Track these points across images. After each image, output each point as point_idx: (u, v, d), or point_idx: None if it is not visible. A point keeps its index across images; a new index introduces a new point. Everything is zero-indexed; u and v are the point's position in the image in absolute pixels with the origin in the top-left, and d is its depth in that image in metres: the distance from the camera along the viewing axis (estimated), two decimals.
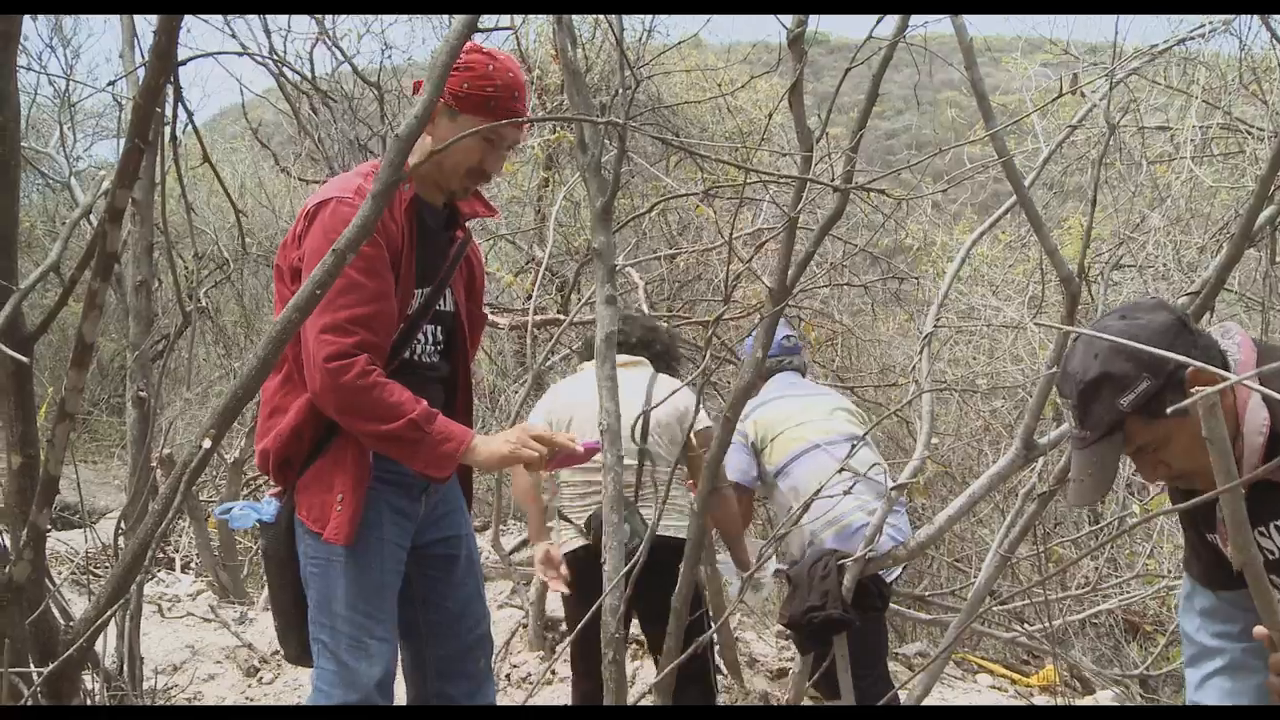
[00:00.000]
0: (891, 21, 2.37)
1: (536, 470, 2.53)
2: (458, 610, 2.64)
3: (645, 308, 6.43)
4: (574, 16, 8.74)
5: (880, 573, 3.38)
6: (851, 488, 3.24)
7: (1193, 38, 4.22)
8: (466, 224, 2.67)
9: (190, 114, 1.41)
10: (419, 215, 2.49)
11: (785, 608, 3.24)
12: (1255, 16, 4.02)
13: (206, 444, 1.34)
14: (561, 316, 5.77)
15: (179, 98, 1.30)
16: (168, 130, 1.89)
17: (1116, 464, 1.98)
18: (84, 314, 1.42)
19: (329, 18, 8.43)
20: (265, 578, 2.70)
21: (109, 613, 1.41)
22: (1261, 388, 1.55)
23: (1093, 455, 1.93)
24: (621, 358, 3.69)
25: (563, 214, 7.79)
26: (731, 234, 2.23)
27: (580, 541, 3.55)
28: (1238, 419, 1.89)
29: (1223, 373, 1.35)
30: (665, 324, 6.49)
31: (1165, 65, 4.31)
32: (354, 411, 2.31)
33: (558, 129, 7.05)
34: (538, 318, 5.30)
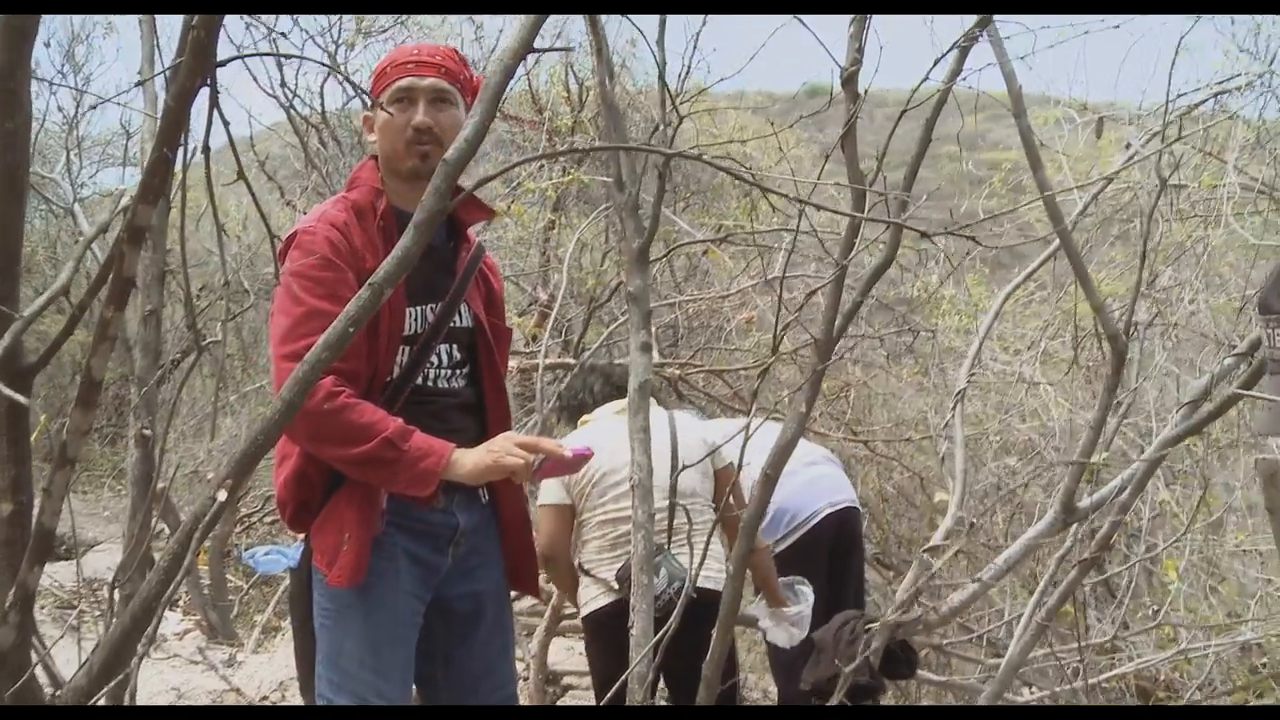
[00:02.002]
0: (944, 66, 2.28)
1: (523, 480, 2.36)
2: (481, 670, 2.48)
3: (655, 354, 6.31)
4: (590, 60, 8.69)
5: None
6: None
7: (1227, 91, 4.14)
8: (470, 232, 2.55)
9: (226, 123, 1.28)
10: (400, 229, 2.37)
11: (810, 672, 3.09)
12: None
13: (222, 495, 1.20)
14: (571, 360, 5.64)
15: (215, 103, 1.17)
16: (189, 148, 1.75)
17: None
18: (94, 346, 1.28)
19: (340, 52, 8.42)
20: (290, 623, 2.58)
21: (104, 690, 1.26)
22: None
23: None
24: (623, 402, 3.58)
25: (570, 258, 7.68)
26: (783, 277, 2.10)
27: (610, 598, 3.35)
28: None
29: None
30: (677, 371, 6.38)
31: (1202, 123, 4.22)
32: (324, 437, 2.19)
33: (569, 170, 6.96)
34: (548, 361, 5.17)
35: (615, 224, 8.48)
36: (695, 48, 2.34)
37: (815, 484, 4.13)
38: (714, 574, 3.31)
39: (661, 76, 2.16)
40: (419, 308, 2.38)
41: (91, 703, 1.27)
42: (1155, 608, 6.01)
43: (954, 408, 3.21)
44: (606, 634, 3.33)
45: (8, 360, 1.59)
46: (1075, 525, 3.07)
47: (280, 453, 2.35)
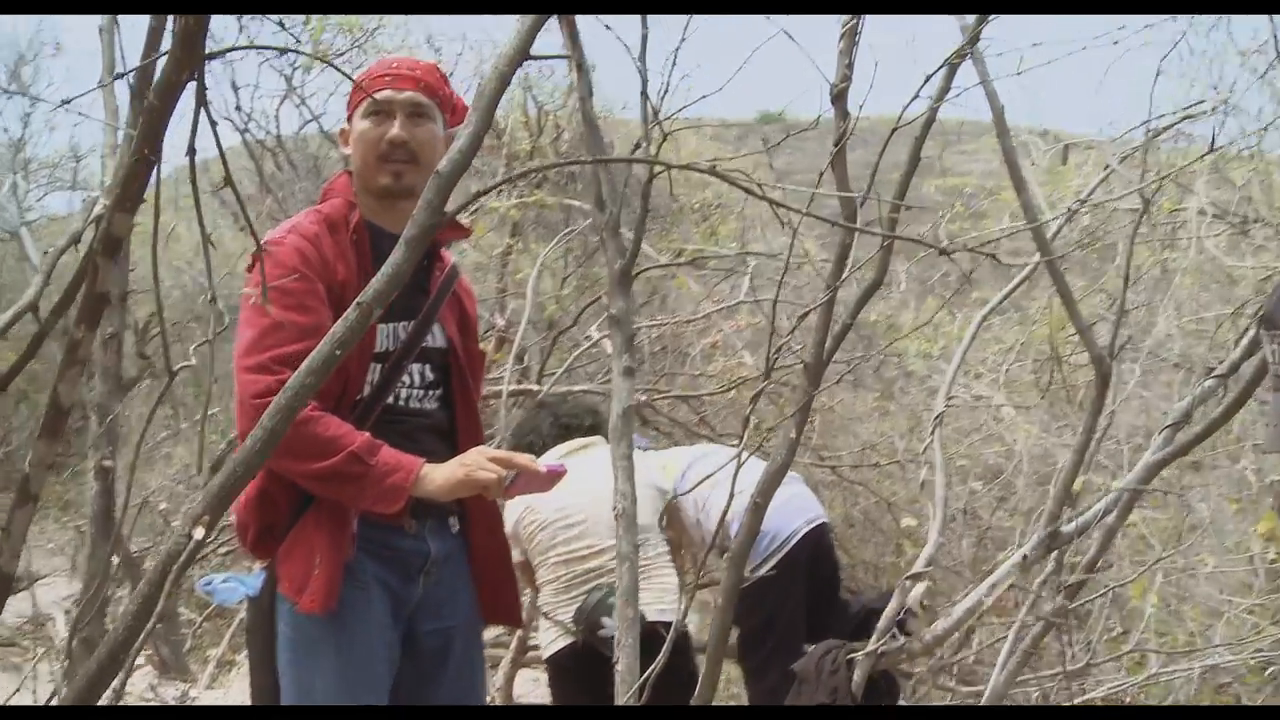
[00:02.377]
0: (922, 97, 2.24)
1: (495, 496, 2.27)
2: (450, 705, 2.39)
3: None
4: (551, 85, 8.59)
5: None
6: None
7: (1192, 116, 4.17)
8: (445, 252, 2.48)
9: (214, 124, 1.18)
10: (373, 244, 2.29)
11: (792, 703, 3.03)
12: None
13: (199, 533, 1.11)
14: (535, 387, 5.54)
15: (202, 100, 1.07)
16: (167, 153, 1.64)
17: None
18: (61, 370, 1.17)
19: (297, 76, 8.31)
20: (248, 656, 2.45)
21: None
22: None
23: None
24: (578, 440, 3.52)
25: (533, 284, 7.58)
26: (776, 299, 2.03)
27: (566, 641, 3.31)
28: None
29: None
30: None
31: (1167, 150, 4.26)
32: (286, 451, 2.03)
33: (532, 192, 6.89)
34: (512, 387, 5.08)
35: (575, 249, 8.43)
36: (675, 63, 2.27)
37: (788, 504, 4.02)
38: (669, 606, 3.27)
39: (644, 91, 2.09)
40: (391, 325, 2.31)
41: None
42: (1121, 630, 6.01)
43: (933, 431, 3.17)
44: (568, 676, 3.35)
45: None
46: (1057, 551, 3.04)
47: None
